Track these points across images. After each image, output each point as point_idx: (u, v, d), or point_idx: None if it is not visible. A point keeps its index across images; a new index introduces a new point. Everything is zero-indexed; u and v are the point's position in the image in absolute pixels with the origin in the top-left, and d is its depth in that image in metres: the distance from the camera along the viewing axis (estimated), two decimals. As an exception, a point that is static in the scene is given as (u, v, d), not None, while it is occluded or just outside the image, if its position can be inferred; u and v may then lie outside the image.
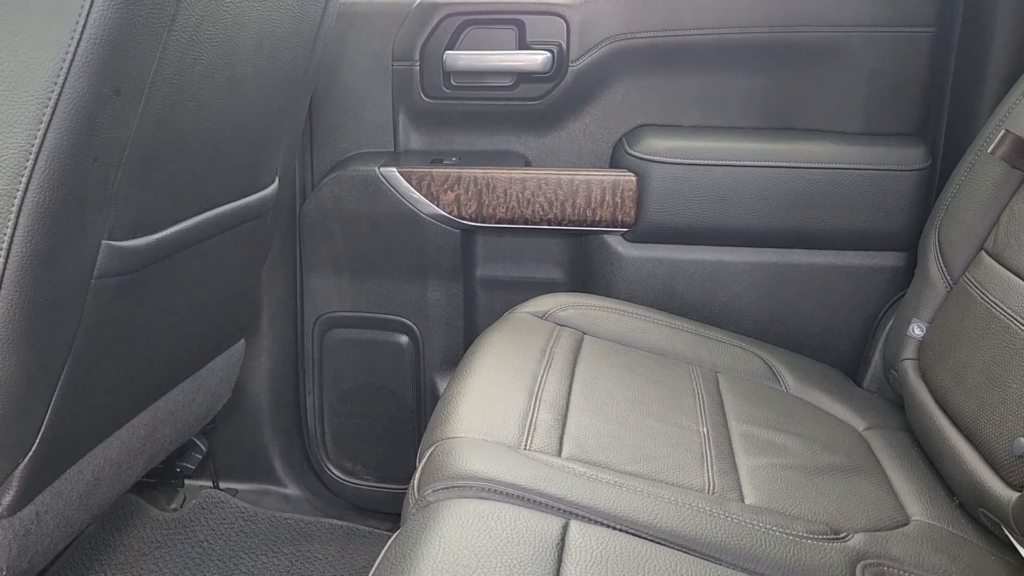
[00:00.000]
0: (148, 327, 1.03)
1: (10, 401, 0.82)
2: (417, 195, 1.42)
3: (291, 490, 1.63)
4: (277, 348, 1.57)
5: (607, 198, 1.38)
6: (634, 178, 1.37)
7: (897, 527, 0.87)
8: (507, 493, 0.78)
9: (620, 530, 0.76)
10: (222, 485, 1.61)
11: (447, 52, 1.43)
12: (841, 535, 0.82)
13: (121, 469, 1.10)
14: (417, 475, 0.85)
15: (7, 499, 0.88)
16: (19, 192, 0.75)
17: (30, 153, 0.74)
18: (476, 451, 0.84)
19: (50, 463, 0.93)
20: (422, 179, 1.41)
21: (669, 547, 0.75)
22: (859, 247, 1.35)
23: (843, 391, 1.21)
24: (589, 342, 1.19)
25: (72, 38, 0.72)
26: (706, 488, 0.87)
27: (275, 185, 1.25)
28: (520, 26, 1.44)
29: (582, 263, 1.46)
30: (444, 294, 1.49)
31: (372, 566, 0.74)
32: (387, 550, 0.75)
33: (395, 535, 0.77)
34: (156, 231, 0.95)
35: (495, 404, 0.96)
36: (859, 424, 1.12)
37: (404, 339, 1.52)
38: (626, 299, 1.36)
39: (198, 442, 1.52)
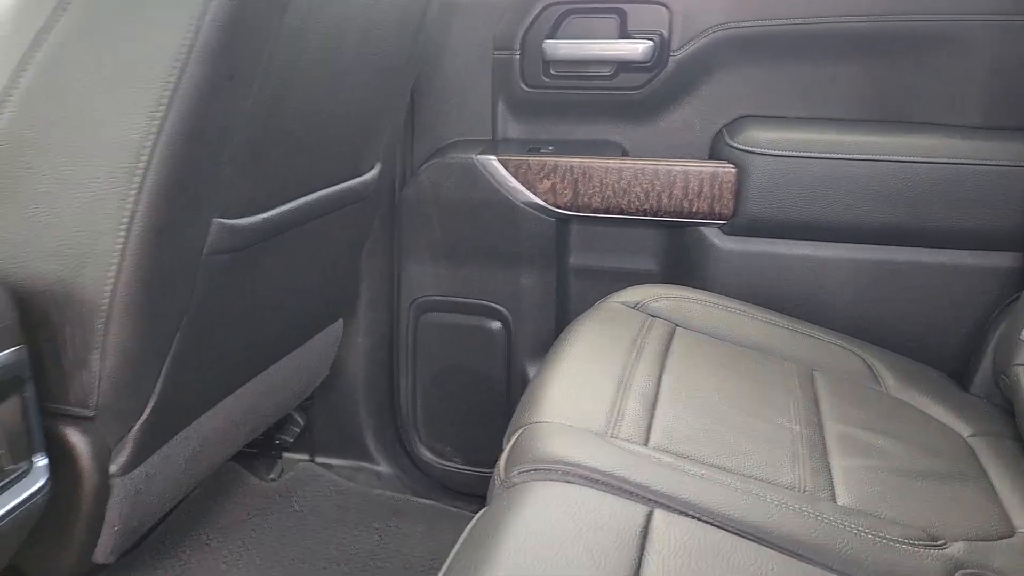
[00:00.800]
0: (253, 304, 1.08)
1: (128, 368, 0.88)
2: (514, 183, 1.43)
3: (383, 468, 1.67)
4: (374, 329, 1.61)
5: (705, 189, 1.36)
6: (733, 170, 1.35)
7: (1001, 538, 0.84)
8: (592, 478, 0.78)
9: (705, 522, 0.75)
10: (318, 460, 1.67)
11: (547, 41, 1.44)
12: (939, 542, 0.79)
13: (225, 437, 1.16)
14: (504, 457, 0.86)
15: (122, 459, 0.94)
16: (140, 170, 0.80)
17: (151, 133, 0.79)
18: (563, 436, 0.85)
19: (161, 428, 0.99)
20: (519, 167, 1.42)
21: (755, 542, 0.74)
22: (971, 246, 1.29)
23: (948, 395, 1.16)
24: (681, 334, 1.18)
25: (193, 24, 0.76)
26: (796, 486, 0.85)
27: (376, 170, 1.28)
28: (622, 15, 1.43)
29: (677, 255, 1.45)
30: (537, 282, 1.50)
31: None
32: (471, 528, 0.76)
33: (480, 514, 0.79)
34: (263, 211, 0.99)
35: (583, 391, 0.97)
36: (964, 430, 1.07)
37: (496, 325, 1.54)
38: (721, 293, 1.33)
39: (297, 416, 1.58)
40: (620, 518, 0.73)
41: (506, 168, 1.43)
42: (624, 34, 1.43)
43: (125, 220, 0.81)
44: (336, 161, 1.15)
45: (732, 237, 1.38)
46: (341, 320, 1.47)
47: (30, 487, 0.80)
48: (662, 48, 1.41)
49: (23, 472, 0.80)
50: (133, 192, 0.80)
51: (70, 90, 0.80)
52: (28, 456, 0.81)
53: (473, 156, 1.45)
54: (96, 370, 0.86)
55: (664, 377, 1.03)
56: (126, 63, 0.78)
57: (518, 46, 1.45)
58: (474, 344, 1.56)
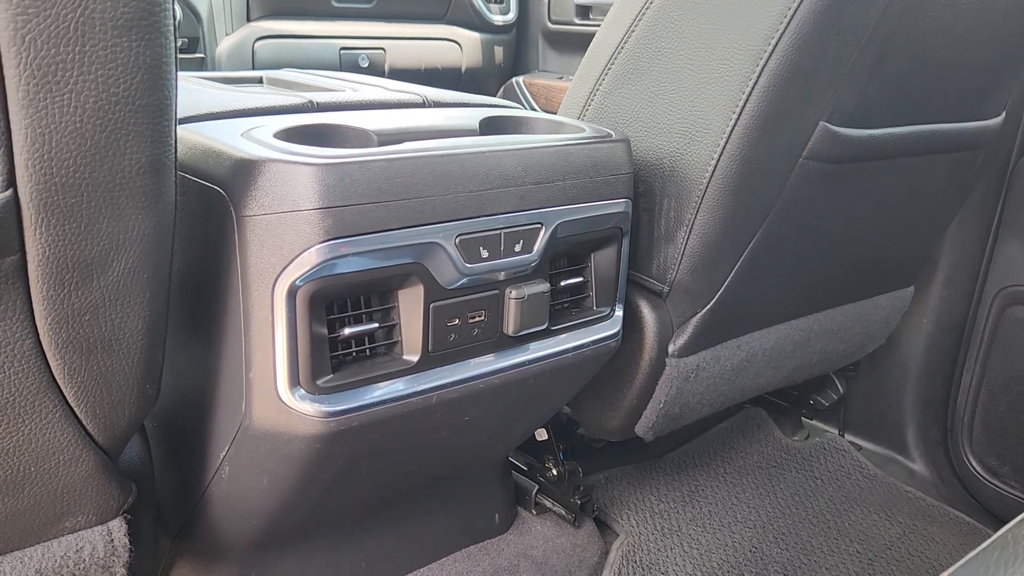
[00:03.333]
0: (831, 228, 1.04)
1: (708, 251, 0.92)
2: None
3: (918, 466, 1.51)
4: (944, 312, 1.44)
5: None
6: None
7: None
8: None
9: None
10: (847, 436, 1.58)
11: None
12: None
13: (771, 363, 1.15)
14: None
15: (680, 342, 1.00)
16: (766, 54, 0.81)
17: (784, 18, 0.80)
18: None
19: (720, 324, 1.02)
20: None
21: None
22: None
23: None
24: None
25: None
26: None
27: (1000, 119, 1.13)
28: None
29: None
30: None
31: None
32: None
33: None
34: (871, 127, 0.94)
35: None
36: None
37: (1109, 337, 1.26)
38: None
39: (837, 381, 1.51)
40: None
41: None
42: None
43: (740, 102, 0.83)
44: (958, 93, 1.04)
45: None
46: (912, 288, 1.35)
47: (609, 330, 0.89)
48: None
49: (606, 315, 0.89)
50: (754, 75, 0.82)
51: (714, -24, 0.85)
52: (611, 304, 0.90)
53: None
54: (680, 247, 0.92)
55: None
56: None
57: None
58: (1072, 353, 1.30)
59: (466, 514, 1.09)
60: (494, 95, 2.25)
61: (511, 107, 0.98)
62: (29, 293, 0.53)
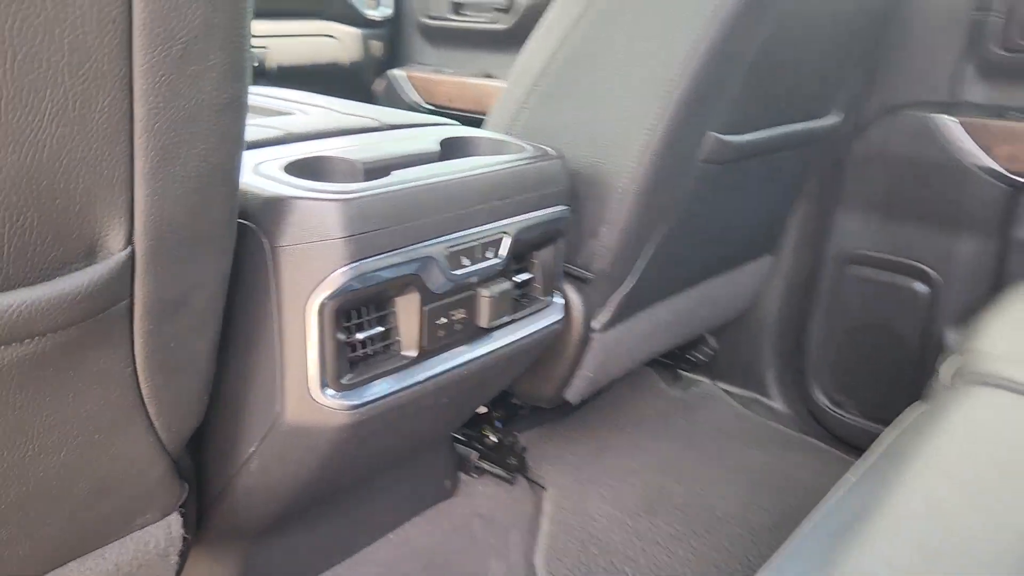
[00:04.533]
0: (716, 215, 1.26)
1: (624, 243, 1.10)
2: (970, 146, 1.43)
3: (778, 405, 1.78)
4: (794, 275, 1.71)
5: None
6: None
7: None
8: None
9: None
10: (718, 383, 1.83)
11: (1037, 4, 1.41)
12: None
13: (670, 328, 1.36)
14: (945, 366, 0.94)
15: (602, 319, 1.18)
16: (677, 79, 1.00)
17: (694, 49, 0.98)
18: (1002, 361, 0.90)
19: (633, 301, 1.21)
20: (979, 131, 1.42)
21: None
22: None
23: None
24: None
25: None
26: None
27: (836, 117, 1.38)
28: None
29: None
30: (975, 250, 1.49)
31: (847, 484, 0.85)
32: (912, 420, 0.86)
33: (917, 407, 0.88)
34: (745, 132, 1.15)
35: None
36: None
37: (922, 287, 1.56)
38: None
39: (710, 339, 1.75)
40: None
41: (965, 130, 1.44)
42: None
43: (653, 120, 1.01)
44: (803, 100, 1.27)
45: None
46: (770, 257, 1.60)
47: (555, 315, 1.06)
48: None
49: (548, 304, 1.05)
50: (666, 97, 1.00)
51: (627, 20, 1.02)
52: (551, 294, 1.06)
53: (931, 116, 1.47)
54: (602, 240, 1.10)
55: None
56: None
57: (1003, 8, 1.44)
58: (895, 303, 1.59)
59: (424, 482, 1.24)
60: (371, 86, 2.35)
61: (449, 124, 1.11)
62: (132, 329, 0.63)
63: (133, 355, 0.65)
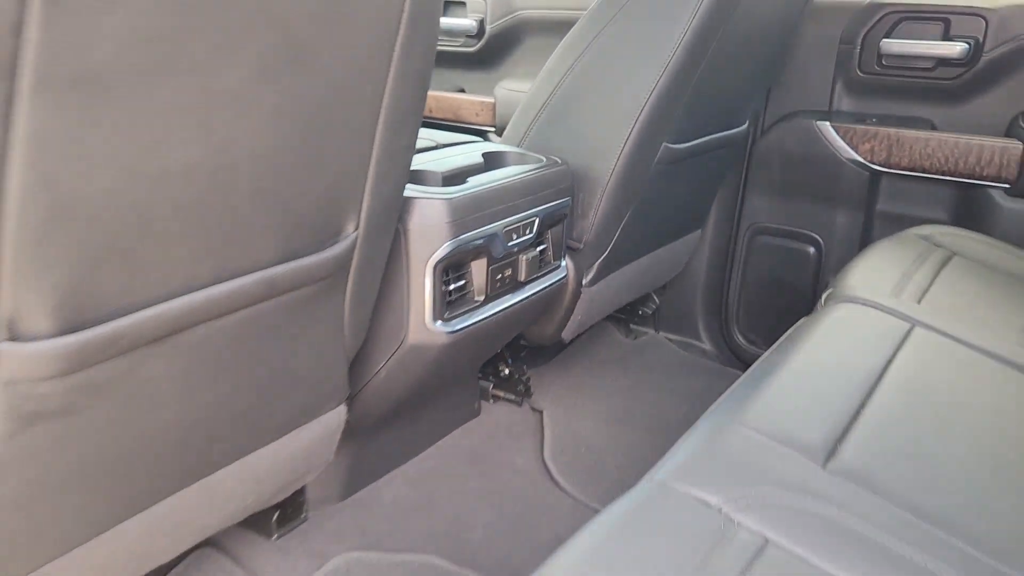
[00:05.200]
0: (664, 199, 1.73)
1: (605, 221, 1.56)
2: (841, 144, 1.95)
3: (707, 346, 2.29)
4: (716, 244, 2.22)
5: (994, 159, 1.79)
6: (1021, 145, 1.77)
7: None
8: (879, 308, 1.33)
9: (954, 339, 1.27)
10: (660, 333, 2.33)
11: (884, 40, 1.93)
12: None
13: (631, 285, 1.84)
14: (824, 297, 1.43)
15: (588, 277, 1.64)
16: (646, 100, 1.46)
17: (658, 75, 1.44)
18: (858, 288, 1.40)
19: (610, 264, 1.67)
20: (847, 132, 1.94)
21: (997, 361, 1.24)
22: None
23: None
24: (958, 260, 1.65)
25: (683, 28, 1.40)
26: None
27: (745, 126, 1.87)
28: (946, 22, 1.88)
29: (965, 209, 1.89)
30: (848, 220, 2.01)
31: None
32: (797, 326, 1.34)
33: (801, 321, 1.37)
34: (686, 141, 1.63)
35: (877, 273, 1.50)
36: None
37: (811, 249, 2.08)
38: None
39: (655, 296, 2.24)
40: (891, 326, 1.27)
41: (837, 132, 1.95)
42: (947, 37, 1.89)
43: (626, 136, 1.48)
44: (725, 113, 1.76)
45: (1015, 199, 1.80)
46: (700, 232, 2.09)
47: (561, 274, 1.52)
48: (976, 49, 1.85)
49: (558, 266, 1.51)
50: (637, 115, 1.46)
51: (607, 66, 1.48)
52: (559, 259, 1.52)
53: (813, 122, 1.99)
54: (591, 220, 1.56)
55: (940, 275, 1.52)
56: (643, 49, 1.44)
57: (859, 42, 1.96)
58: (792, 262, 2.11)
59: (460, 405, 1.68)
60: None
61: (479, 141, 1.55)
62: (347, 280, 1.06)
63: (344, 296, 1.07)
